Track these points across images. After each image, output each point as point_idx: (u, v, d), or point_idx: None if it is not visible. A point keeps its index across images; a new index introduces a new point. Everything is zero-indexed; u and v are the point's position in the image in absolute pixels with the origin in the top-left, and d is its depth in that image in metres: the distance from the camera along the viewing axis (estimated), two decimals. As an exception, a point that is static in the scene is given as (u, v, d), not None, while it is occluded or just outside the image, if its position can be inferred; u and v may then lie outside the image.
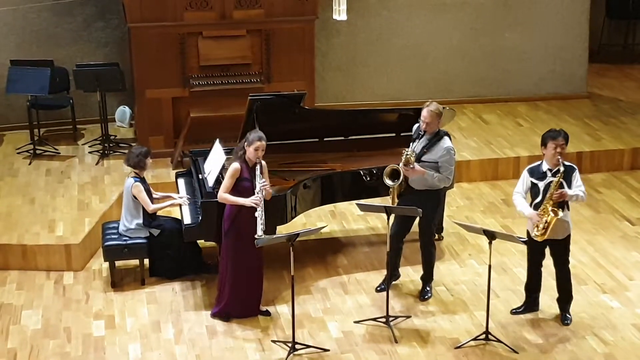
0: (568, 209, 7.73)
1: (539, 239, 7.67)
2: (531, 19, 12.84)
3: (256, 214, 7.58)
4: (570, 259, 9.07)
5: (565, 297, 8.04)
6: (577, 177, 7.70)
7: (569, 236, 7.84)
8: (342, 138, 9.43)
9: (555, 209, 7.56)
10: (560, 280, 7.99)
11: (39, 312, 8.24)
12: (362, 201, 8.30)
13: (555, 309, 8.06)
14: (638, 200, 10.52)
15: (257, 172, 7.72)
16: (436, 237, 9.18)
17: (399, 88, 12.61)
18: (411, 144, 8.11)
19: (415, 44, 12.63)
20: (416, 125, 8.21)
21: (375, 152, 9.27)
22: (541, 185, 7.68)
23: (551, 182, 7.62)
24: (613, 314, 8.18)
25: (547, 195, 7.60)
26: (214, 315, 8.09)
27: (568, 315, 8.04)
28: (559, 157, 7.60)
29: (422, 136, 8.03)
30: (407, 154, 7.89)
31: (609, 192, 10.73)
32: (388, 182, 8.00)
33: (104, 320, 8.11)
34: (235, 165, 7.75)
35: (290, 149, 9.26)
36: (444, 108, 9.34)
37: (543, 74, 13.07)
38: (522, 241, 7.59)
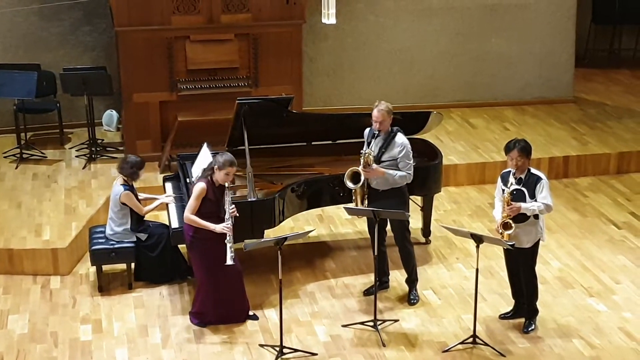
0: (536, 218, 7.62)
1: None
2: (518, 24, 12.88)
3: (226, 241, 7.49)
4: (556, 263, 9.11)
5: (529, 304, 7.93)
6: (542, 188, 7.56)
7: (536, 244, 7.75)
8: (330, 142, 9.45)
9: (507, 222, 7.51)
10: (524, 286, 7.90)
11: (25, 316, 8.20)
12: (350, 205, 8.30)
13: (542, 313, 8.06)
14: (624, 204, 10.56)
15: (227, 198, 7.60)
16: (417, 238, 9.19)
17: (386, 92, 12.60)
18: (364, 147, 8.13)
19: (402, 48, 12.66)
20: (367, 130, 8.24)
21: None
22: (507, 191, 7.63)
23: (513, 190, 7.57)
24: (600, 317, 8.20)
25: (503, 207, 7.58)
26: (196, 324, 8.04)
27: (531, 323, 7.93)
28: (515, 169, 7.57)
29: (377, 136, 8.09)
30: (364, 154, 7.95)
31: (595, 196, 10.76)
32: (350, 184, 8.04)
33: (91, 324, 8.09)
34: (202, 185, 7.65)
35: (278, 152, 9.27)
36: (433, 113, 9.40)
37: (530, 79, 13.11)
38: (510, 245, 7.59)
